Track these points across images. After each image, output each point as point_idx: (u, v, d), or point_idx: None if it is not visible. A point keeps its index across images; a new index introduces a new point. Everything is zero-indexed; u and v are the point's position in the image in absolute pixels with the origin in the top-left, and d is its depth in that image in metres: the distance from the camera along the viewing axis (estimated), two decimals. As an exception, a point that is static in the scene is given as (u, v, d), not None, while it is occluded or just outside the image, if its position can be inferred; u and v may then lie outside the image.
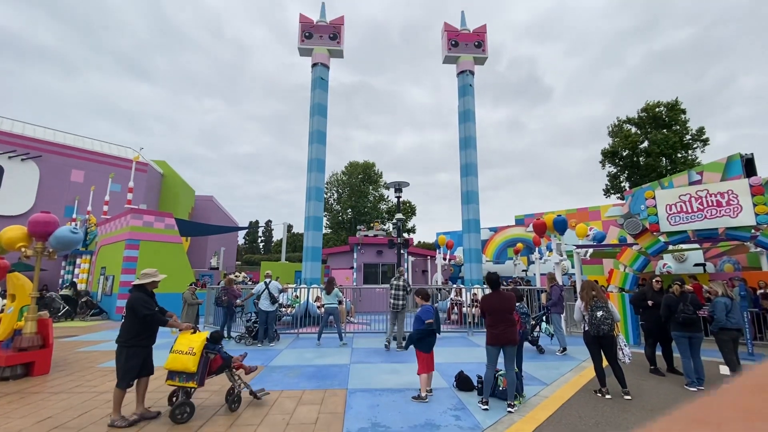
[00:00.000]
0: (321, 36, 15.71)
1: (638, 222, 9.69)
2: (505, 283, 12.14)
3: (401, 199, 13.93)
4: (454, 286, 14.85)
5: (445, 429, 4.36)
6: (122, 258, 15.13)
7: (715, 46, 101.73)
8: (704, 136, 28.45)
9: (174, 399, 4.85)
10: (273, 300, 9.32)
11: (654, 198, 9.43)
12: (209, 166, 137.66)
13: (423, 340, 5.39)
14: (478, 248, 14.92)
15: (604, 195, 31.88)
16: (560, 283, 9.57)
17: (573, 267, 13.73)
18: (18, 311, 6.78)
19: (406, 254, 18.51)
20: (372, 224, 22.04)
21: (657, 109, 29.79)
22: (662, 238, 9.35)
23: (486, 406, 4.94)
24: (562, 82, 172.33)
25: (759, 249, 11.05)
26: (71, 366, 7.27)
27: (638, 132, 30.33)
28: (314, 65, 15.54)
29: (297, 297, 13.13)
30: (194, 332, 4.86)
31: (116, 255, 15.86)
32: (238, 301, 10.18)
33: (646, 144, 29.51)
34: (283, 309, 11.85)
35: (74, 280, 18.52)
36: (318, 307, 11.61)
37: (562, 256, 12.55)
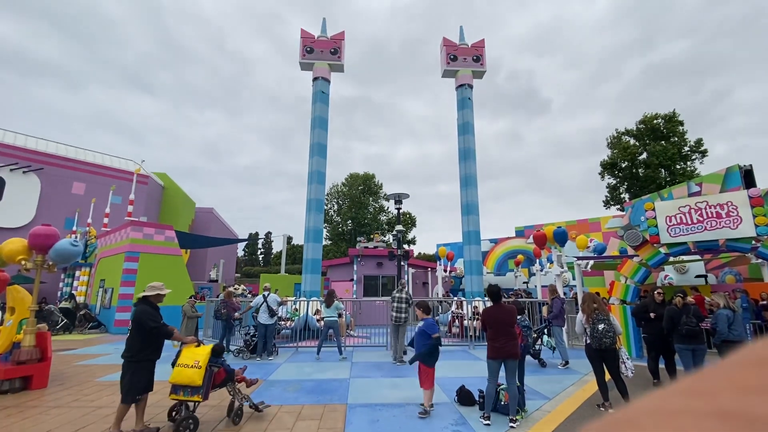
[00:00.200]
0: (322, 51, 16.01)
1: (638, 233, 9.71)
2: (506, 295, 12.08)
3: (401, 211, 13.96)
4: (455, 298, 14.77)
5: (446, 445, 4.30)
6: (122, 270, 15.12)
7: (712, 59, 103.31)
8: (702, 148, 28.69)
9: (174, 414, 4.79)
10: (272, 313, 9.24)
11: (654, 209, 9.46)
12: (210, 179, 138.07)
13: (432, 354, 5.38)
14: (479, 260, 14.87)
15: (604, 206, 32.02)
16: (561, 296, 9.53)
17: (574, 279, 13.69)
18: (17, 324, 6.76)
19: (406, 266, 18.44)
20: (372, 236, 22.01)
21: (655, 121, 30.09)
22: (663, 250, 9.35)
23: (488, 421, 4.88)
24: (560, 95, 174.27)
25: (760, 260, 11.04)
26: (69, 380, 7.20)
27: (637, 144, 30.57)
28: (315, 79, 15.80)
29: (296, 310, 13.05)
30: (198, 345, 4.82)
31: (116, 267, 15.85)
32: (236, 314, 10.06)
33: (644, 155, 29.73)
34: (282, 322, 11.76)
35: (73, 292, 18.44)
36: (317, 321, 11.53)
37: (562, 267, 12.52)
